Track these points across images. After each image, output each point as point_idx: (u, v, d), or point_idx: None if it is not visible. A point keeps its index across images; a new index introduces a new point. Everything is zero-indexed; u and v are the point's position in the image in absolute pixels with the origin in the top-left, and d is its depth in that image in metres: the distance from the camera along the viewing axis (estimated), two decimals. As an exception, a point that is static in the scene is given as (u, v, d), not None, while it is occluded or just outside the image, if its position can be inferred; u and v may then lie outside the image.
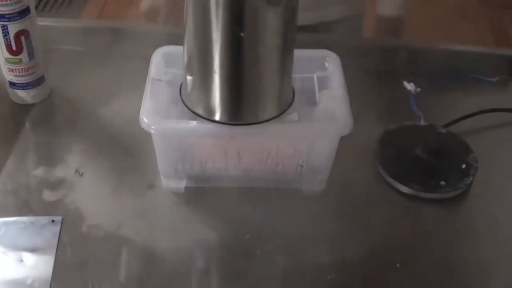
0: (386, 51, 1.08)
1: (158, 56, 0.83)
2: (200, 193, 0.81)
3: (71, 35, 1.07)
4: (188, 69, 0.73)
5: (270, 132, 0.74)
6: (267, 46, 0.68)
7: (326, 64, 0.84)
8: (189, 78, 0.73)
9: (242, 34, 0.66)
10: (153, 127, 0.73)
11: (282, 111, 0.74)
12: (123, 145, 0.88)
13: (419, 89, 1.03)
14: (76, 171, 0.84)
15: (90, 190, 0.82)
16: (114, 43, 1.06)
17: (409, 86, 1.03)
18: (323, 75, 0.84)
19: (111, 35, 1.07)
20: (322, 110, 0.79)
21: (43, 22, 1.03)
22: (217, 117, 0.73)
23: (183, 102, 0.75)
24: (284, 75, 0.73)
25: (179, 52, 0.74)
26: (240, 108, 0.72)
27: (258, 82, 0.71)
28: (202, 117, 0.73)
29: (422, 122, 0.95)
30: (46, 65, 0.95)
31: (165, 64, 0.83)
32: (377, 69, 1.02)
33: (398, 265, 0.75)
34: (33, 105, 0.94)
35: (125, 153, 0.87)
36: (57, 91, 0.98)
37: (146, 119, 0.73)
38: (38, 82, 0.94)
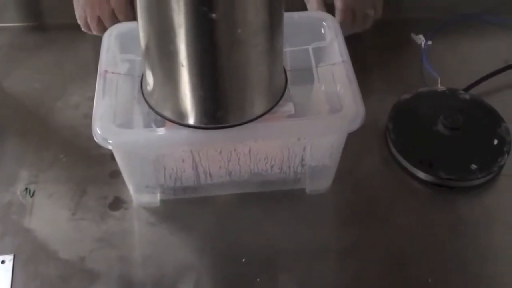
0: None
1: (110, 39, 0.67)
2: (180, 206, 0.69)
3: (9, 9, 0.89)
4: (147, 60, 0.56)
5: (260, 134, 0.58)
6: (248, 26, 0.51)
7: (323, 31, 0.68)
8: (149, 72, 0.56)
9: (213, 15, 0.49)
10: (110, 141, 0.57)
11: (273, 105, 0.58)
12: (83, 149, 0.73)
13: (430, 42, 0.88)
14: (25, 189, 0.69)
15: (43, 215, 0.68)
16: (67, 16, 0.85)
17: (418, 39, 0.88)
18: (320, 46, 0.67)
19: (64, 5, 0.86)
20: (323, 95, 0.63)
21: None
22: (190, 120, 0.57)
23: (146, 102, 0.59)
24: (273, 59, 0.56)
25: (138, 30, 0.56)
26: (219, 107, 0.56)
27: (239, 73, 0.54)
28: (172, 121, 0.57)
29: (440, 86, 0.79)
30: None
31: (121, 48, 0.66)
32: (376, 20, 0.84)
33: (430, 280, 0.61)
34: (-33, 105, 0.79)
35: (85, 160, 0.72)
36: (-3, 83, 0.82)
37: (99, 130, 0.57)
38: (-31, 77, 0.77)
